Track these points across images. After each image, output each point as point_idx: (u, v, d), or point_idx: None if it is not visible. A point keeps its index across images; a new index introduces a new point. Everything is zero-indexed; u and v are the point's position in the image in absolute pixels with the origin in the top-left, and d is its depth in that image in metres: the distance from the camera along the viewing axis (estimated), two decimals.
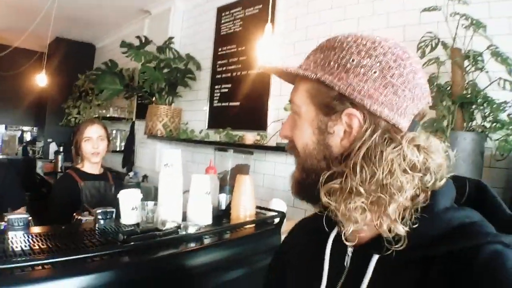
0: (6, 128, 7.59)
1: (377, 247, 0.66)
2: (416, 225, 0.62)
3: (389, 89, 0.64)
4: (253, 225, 1.75)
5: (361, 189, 0.62)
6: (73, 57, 6.62)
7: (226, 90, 3.60)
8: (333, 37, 0.72)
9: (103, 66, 4.03)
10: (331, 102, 0.68)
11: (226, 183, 2.38)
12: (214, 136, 3.46)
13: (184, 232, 1.48)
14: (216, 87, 3.72)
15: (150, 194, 4.13)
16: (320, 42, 0.74)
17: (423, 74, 0.68)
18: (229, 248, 1.57)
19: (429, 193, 0.65)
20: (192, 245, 1.45)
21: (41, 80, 4.85)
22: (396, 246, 0.62)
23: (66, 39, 6.66)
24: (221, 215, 1.91)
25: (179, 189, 1.68)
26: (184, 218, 1.74)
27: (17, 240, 1.31)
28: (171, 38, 3.98)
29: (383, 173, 0.61)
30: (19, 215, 1.40)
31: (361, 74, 0.65)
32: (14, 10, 5.12)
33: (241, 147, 2.96)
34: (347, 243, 0.71)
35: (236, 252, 1.58)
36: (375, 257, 0.67)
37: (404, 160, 0.62)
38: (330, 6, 2.69)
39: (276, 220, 1.83)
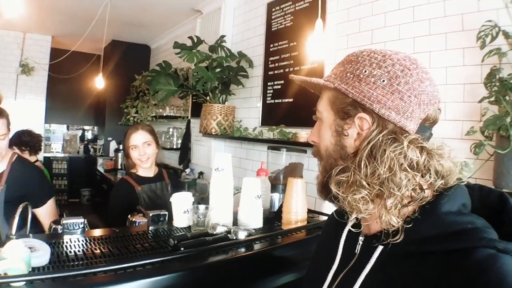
0: (67, 128, 8.10)
1: (382, 239, 0.74)
2: (417, 223, 0.69)
3: (396, 95, 0.73)
4: (305, 230, 1.70)
5: (364, 183, 0.71)
6: (129, 58, 6.89)
7: (279, 86, 3.55)
8: (352, 52, 0.83)
9: (157, 68, 4.11)
10: (346, 108, 0.78)
11: (280, 182, 2.35)
12: (268, 133, 3.43)
13: (234, 237, 1.46)
14: (269, 84, 3.68)
15: (206, 191, 4.21)
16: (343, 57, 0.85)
17: (431, 83, 0.76)
18: (279, 253, 1.53)
19: (434, 194, 0.72)
20: (242, 250, 1.42)
21: (99, 82, 5.07)
22: (393, 239, 0.70)
23: (121, 41, 6.93)
24: (273, 217, 1.89)
25: (230, 193, 1.68)
26: (235, 220, 1.73)
27: (72, 244, 1.35)
28: (222, 36, 3.98)
29: (384, 169, 0.70)
30: (74, 219, 1.45)
31: (372, 83, 0.75)
32: (70, 16, 5.40)
33: (294, 145, 2.90)
34: (353, 230, 0.83)
35: (286, 257, 1.54)
36: (379, 248, 0.75)
37: (405, 158, 0.70)
38: None
39: None
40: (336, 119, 0.81)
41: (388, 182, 0.69)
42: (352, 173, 0.73)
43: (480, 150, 1.72)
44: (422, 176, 0.71)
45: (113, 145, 6.84)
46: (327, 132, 0.82)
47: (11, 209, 1.86)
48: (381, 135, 0.73)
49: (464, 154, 1.89)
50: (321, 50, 2.62)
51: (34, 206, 2.18)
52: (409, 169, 0.70)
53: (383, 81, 0.74)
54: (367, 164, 0.72)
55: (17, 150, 3.34)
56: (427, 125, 0.77)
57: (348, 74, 0.78)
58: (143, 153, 2.37)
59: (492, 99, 1.72)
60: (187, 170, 4.86)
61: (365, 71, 0.76)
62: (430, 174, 0.71)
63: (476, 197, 0.76)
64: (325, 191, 0.84)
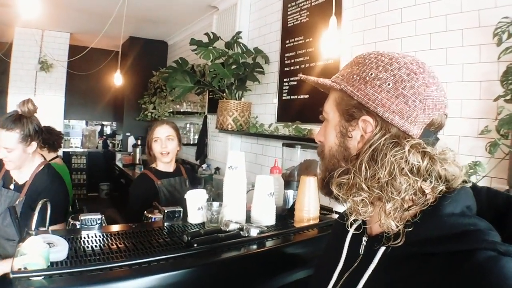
0: (86, 123, 8.25)
1: (383, 241, 0.75)
2: (418, 225, 0.70)
3: (401, 99, 0.73)
4: (317, 228, 1.71)
5: (364, 186, 0.72)
6: (146, 54, 6.97)
7: (295, 83, 3.55)
8: (360, 54, 0.84)
9: (174, 64, 4.15)
10: (351, 110, 0.79)
11: (294, 179, 2.36)
12: (284, 129, 3.44)
13: (246, 234, 1.48)
14: (285, 80, 3.68)
15: (222, 187, 4.23)
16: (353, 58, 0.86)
17: (438, 88, 0.76)
18: (290, 250, 1.55)
19: (437, 197, 0.71)
20: (254, 247, 1.45)
21: (117, 79, 5.15)
22: (394, 243, 0.71)
23: (139, 38, 7.00)
24: (285, 215, 1.91)
25: (243, 191, 1.71)
26: (248, 217, 1.75)
27: (89, 240, 1.39)
28: (238, 32, 3.99)
29: (384, 173, 0.70)
30: (92, 215, 1.49)
31: (377, 86, 0.75)
32: (88, 14, 5.49)
33: (308, 141, 2.90)
34: (351, 229, 0.86)
35: (298, 254, 1.56)
36: (382, 249, 0.76)
37: (406, 163, 0.70)
38: None
39: None
40: (341, 120, 0.81)
41: (387, 186, 0.70)
42: (353, 175, 0.74)
43: (495, 149, 1.70)
44: (424, 181, 0.71)
45: (131, 140, 6.94)
46: (332, 133, 0.83)
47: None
48: (383, 138, 0.73)
49: (480, 152, 1.87)
50: (335, 46, 2.61)
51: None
52: (409, 174, 0.70)
53: (389, 84, 0.74)
54: (368, 167, 0.73)
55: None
56: (431, 130, 0.77)
57: (355, 76, 0.79)
58: (165, 146, 2.44)
59: (508, 97, 1.70)
60: (204, 166, 4.91)
61: (371, 74, 0.76)
62: (431, 179, 0.71)
63: (483, 199, 0.75)
64: (325, 188, 0.86)
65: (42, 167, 2.18)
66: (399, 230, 0.71)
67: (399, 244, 0.70)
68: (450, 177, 0.72)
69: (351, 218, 0.78)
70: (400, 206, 0.70)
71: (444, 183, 0.72)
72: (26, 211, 1.99)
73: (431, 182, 0.71)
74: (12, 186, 2.08)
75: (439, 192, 0.72)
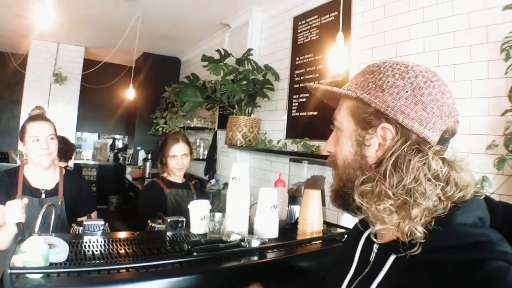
0: (99, 136, 8.36)
1: (395, 248, 0.74)
2: (431, 234, 0.69)
3: (419, 106, 0.74)
4: (319, 241, 1.69)
5: (390, 192, 0.71)
6: (159, 70, 7.07)
7: (304, 99, 3.57)
8: (373, 63, 0.83)
9: (185, 80, 4.22)
10: (368, 118, 0.78)
11: (301, 195, 2.35)
12: (292, 146, 3.44)
13: (247, 245, 1.47)
14: (294, 96, 3.70)
15: None
16: (363, 68, 0.86)
17: (451, 95, 0.77)
18: (291, 263, 1.53)
19: (449, 206, 0.70)
20: (254, 258, 1.44)
21: (129, 94, 5.24)
22: (411, 251, 0.70)
23: (152, 54, 7.12)
24: (289, 228, 1.89)
25: (246, 202, 1.71)
26: (251, 230, 1.74)
27: (91, 244, 1.41)
28: (249, 50, 4.05)
29: (409, 179, 0.69)
30: (95, 221, 1.51)
31: (395, 93, 0.75)
32: (102, 29, 5.61)
33: (316, 157, 2.90)
34: (374, 240, 0.83)
35: (298, 267, 1.54)
36: (392, 257, 0.75)
37: (429, 169, 0.70)
38: (408, 9, 2.54)
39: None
40: (357, 129, 0.80)
41: (413, 192, 0.69)
42: (377, 183, 0.73)
43: (502, 165, 1.68)
44: (443, 188, 0.70)
45: (142, 154, 7.00)
46: (347, 142, 0.82)
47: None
48: (405, 145, 0.73)
49: (489, 169, 1.84)
50: (342, 63, 2.64)
51: (81, 214, 2.22)
52: (433, 180, 0.70)
53: (407, 91, 0.74)
54: (393, 174, 0.72)
55: None
56: (446, 137, 0.78)
57: (370, 84, 0.79)
58: (181, 163, 2.59)
59: None
60: (213, 181, 4.92)
61: (388, 82, 0.76)
62: (450, 185, 0.70)
63: (499, 214, 0.75)
64: (339, 199, 0.85)
65: (64, 170, 2.32)
66: (413, 238, 0.70)
67: (414, 252, 0.70)
68: (463, 186, 0.72)
69: (377, 228, 0.75)
70: (422, 210, 0.69)
71: (458, 191, 0.72)
72: (68, 211, 2.14)
73: (450, 188, 0.70)
74: (43, 195, 2.10)
75: (454, 200, 0.71)
